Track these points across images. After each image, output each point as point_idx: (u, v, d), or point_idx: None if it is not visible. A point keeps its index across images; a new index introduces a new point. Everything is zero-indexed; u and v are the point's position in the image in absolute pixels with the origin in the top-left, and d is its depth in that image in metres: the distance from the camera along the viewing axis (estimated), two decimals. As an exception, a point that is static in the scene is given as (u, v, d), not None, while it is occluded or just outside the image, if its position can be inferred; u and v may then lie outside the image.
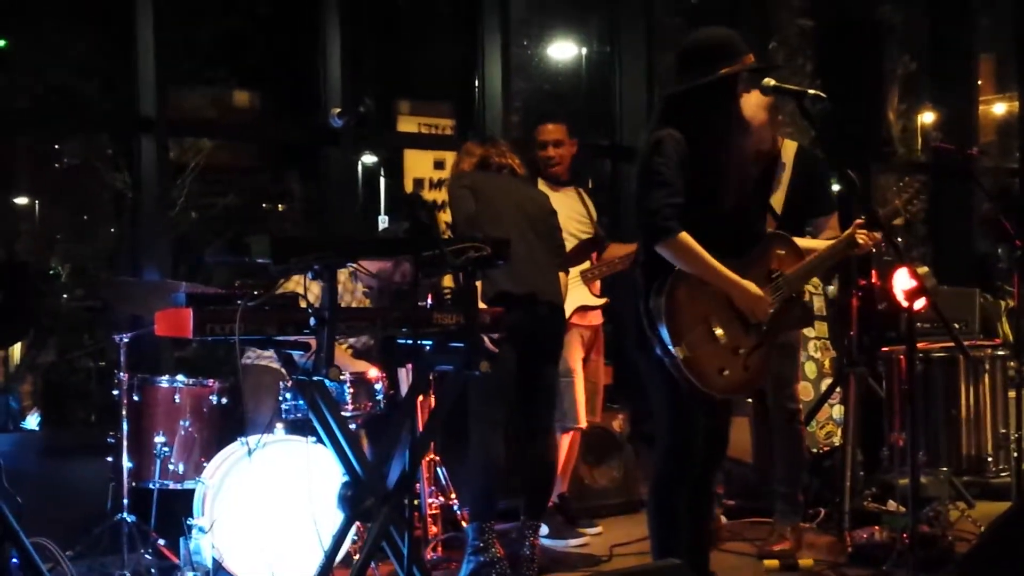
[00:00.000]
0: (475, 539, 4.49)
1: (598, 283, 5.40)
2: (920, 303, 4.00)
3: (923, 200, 3.92)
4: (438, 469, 5.07)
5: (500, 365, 4.29)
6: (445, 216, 4.87)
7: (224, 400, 4.71)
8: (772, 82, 3.79)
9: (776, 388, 4.94)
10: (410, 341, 3.48)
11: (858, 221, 4.27)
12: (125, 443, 4.53)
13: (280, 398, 4.61)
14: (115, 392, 4.60)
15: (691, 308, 3.68)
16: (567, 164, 5.44)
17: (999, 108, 11.11)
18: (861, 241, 4.19)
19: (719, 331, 3.71)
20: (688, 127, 3.70)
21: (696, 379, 3.66)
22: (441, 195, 8.84)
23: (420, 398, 4.63)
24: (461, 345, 3.54)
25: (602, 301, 5.38)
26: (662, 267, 3.68)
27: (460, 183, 4.74)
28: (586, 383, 5.40)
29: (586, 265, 5.37)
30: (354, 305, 4.95)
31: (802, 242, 4.19)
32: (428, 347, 3.61)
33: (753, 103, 4.36)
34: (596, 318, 5.43)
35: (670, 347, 3.63)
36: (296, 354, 3.52)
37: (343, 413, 4.29)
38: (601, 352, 5.53)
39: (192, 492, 4.53)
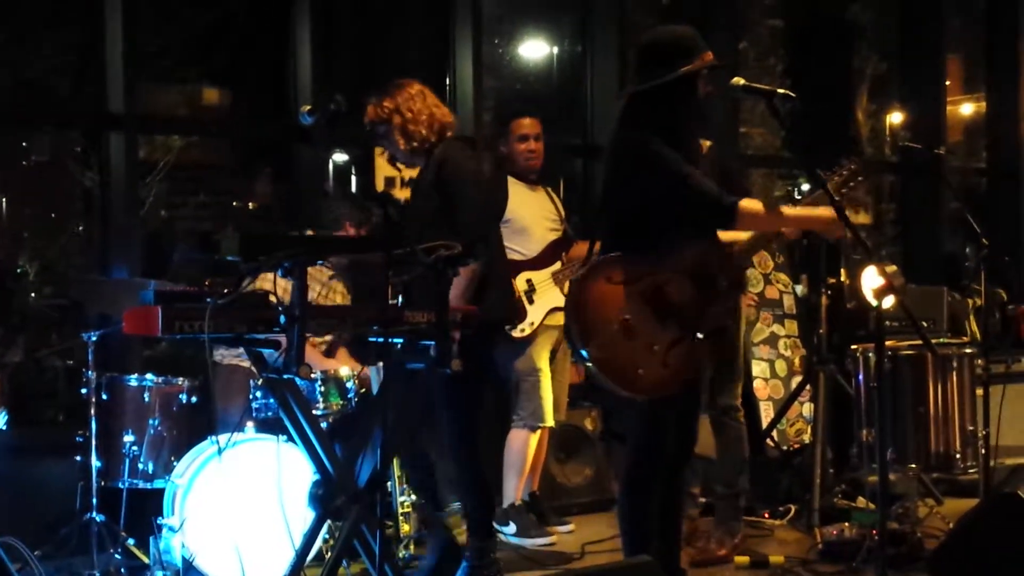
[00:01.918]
0: (475, 559, 4.41)
1: (568, 283, 5.40)
2: (888, 301, 4.03)
3: (863, 182, 3.89)
4: (409, 467, 5.06)
5: (473, 384, 4.26)
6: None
7: (194, 399, 4.69)
8: (742, 81, 3.81)
9: (715, 385, 4.92)
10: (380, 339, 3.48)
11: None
12: (94, 442, 4.50)
13: (251, 397, 4.59)
14: (84, 391, 4.57)
15: (600, 307, 3.65)
16: (542, 159, 5.43)
17: (967, 108, 11.20)
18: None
19: (631, 329, 3.65)
20: (651, 125, 3.72)
21: (611, 380, 3.63)
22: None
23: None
24: (431, 343, 3.54)
25: (573, 301, 5.38)
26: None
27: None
28: (553, 382, 5.40)
29: (557, 266, 5.38)
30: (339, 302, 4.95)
31: (722, 235, 4.17)
32: (398, 345, 3.60)
33: None
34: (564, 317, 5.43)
35: (580, 348, 3.62)
36: (267, 352, 3.51)
37: (314, 412, 4.27)
38: (568, 351, 5.53)
39: (162, 491, 4.50)
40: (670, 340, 3.69)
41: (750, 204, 3.74)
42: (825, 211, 3.75)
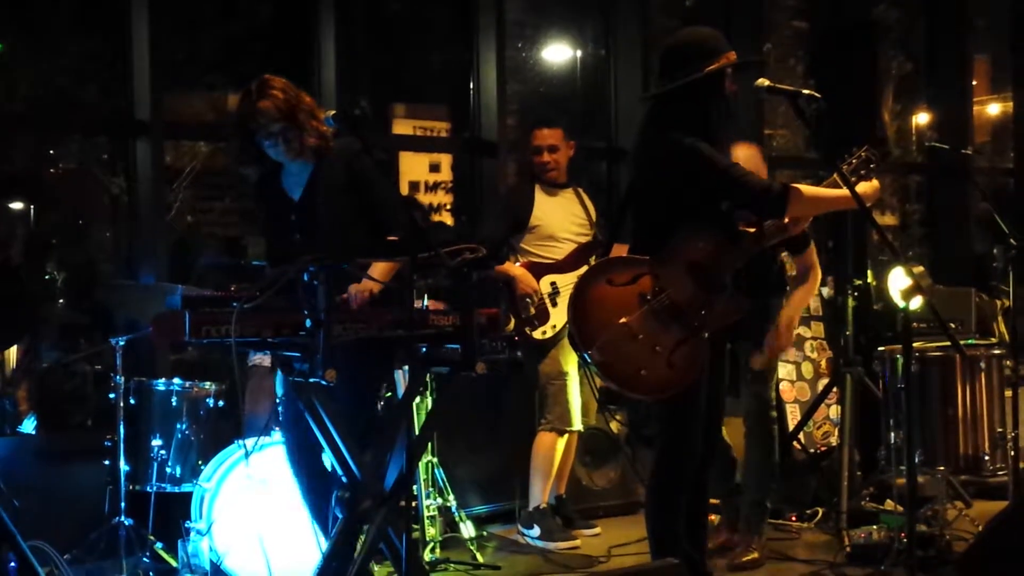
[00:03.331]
0: None
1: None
2: (916, 302, 4.00)
3: (876, 169, 3.90)
4: (436, 470, 5.07)
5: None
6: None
7: (221, 403, 4.71)
8: (766, 82, 3.80)
9: (751, 381, 4.90)
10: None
11: None
12: (122, 447, 4.53)
13: (277, 400, 4.60)
14: (112, 396, 4.60)
15: (601, 309, 3.65)
16: (564, 167, 5.44)
17: (993, 109, 11.12)
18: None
19: (633, 330, 3.64)
20: (679, 126, 3.72)
21: (615, 383, 3.63)
22: (437, 198, 8.84)
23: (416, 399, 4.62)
24: (456, 347, 3.54)
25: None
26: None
27: None
28: (582, 386, 5.40)
29: (584, 269, 5.36)
30: None
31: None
32: (424, 349, 3.61)
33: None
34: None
35: (583, 351, 3.60)
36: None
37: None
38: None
39: (189, 495, 4.53)
40: (674, 340, 3.67)
41: (801, 186, 3.73)
42: (867, 185, 3.77)
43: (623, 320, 3.64)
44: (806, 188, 3.77)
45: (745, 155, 4.66)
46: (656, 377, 3.66)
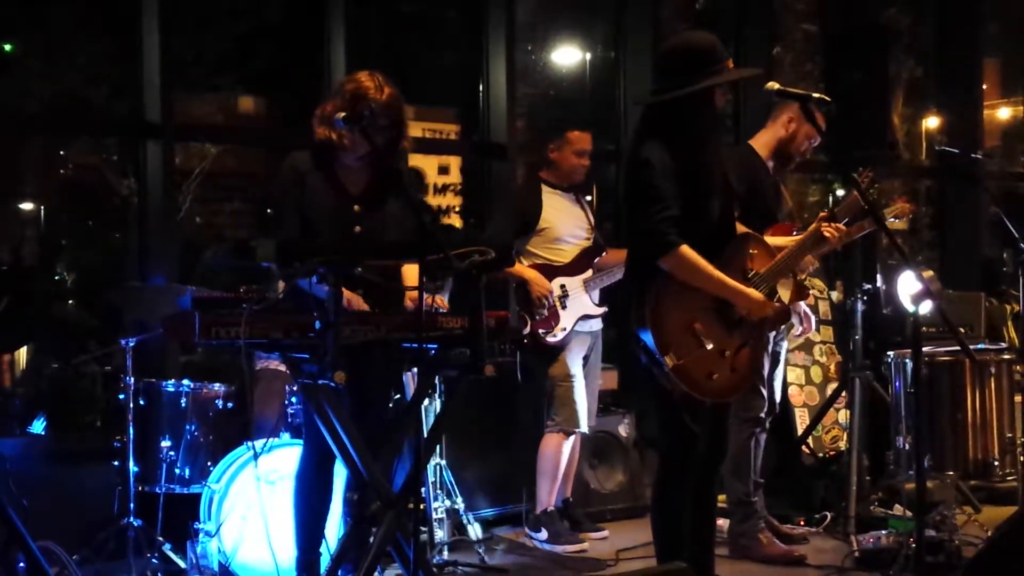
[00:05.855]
0: None
1: (598, 291, 5.40)
2: (925, 306, 4.01)
3: (877, 188, 3.99)
4: (444, 473, 5.07)
5: None
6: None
7: (230, 404, 4.71)
8: (776, 85, 3.79)
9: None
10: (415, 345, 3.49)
11: (822, 215, 4.27)
12: (131, 447, 4.54)
13: (286, 402, 4.61)
14: (121, 396, 4.61)
15: (675, 316, 3.68)
16: None
17: (1004, 113, 11.10)
18: (828, 235, 4.18)
19: (704, 336, 3.70)
20: (671, 135, 3.70)
21: (687, 386, 3.66)
22: (446, 200, 8.85)
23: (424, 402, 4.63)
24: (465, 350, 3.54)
25: (602, 310, 5.38)
26: (647, 276, 3.69)
27: None
28: (588, 388, 5.40)
29: (589, 274, 5.37)
30: None
31: (772, 240, 4.17)
32: (433, 351, 3.61)
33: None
34: (596, 324, 5.44)
35: (658, 357, 3.62)
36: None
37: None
38: (599, 356, 5.53)
39: (198, 496, 4.53)
40: (737, 344, 3.76)
41: (687, 254, 3.62)
42: (755, 293, 3.76)
43: (695, 325, 3.69)
44: (696, 257, 3.64)
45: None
46: (724, 381, 3.74)
